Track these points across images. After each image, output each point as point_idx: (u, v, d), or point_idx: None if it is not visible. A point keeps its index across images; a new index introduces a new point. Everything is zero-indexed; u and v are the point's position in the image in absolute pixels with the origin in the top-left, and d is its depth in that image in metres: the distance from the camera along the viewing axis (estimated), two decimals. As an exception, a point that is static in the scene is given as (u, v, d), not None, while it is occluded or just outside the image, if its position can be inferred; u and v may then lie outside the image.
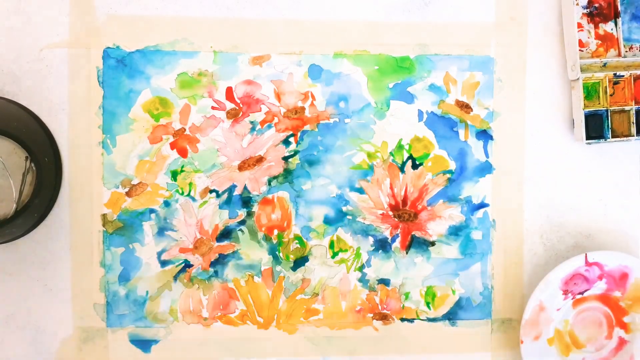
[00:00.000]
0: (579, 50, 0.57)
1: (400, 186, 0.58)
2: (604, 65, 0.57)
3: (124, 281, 0.56)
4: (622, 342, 0.58)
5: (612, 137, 0.57)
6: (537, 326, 0.57)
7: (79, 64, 0.56)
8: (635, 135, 0.57)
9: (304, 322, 0.58)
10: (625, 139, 0.57)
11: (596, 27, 0.58)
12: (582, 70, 0.57)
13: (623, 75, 0.58)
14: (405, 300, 0.58)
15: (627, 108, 0.58)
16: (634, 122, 0.57)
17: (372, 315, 0.58)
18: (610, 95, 0.58)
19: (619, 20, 0.58)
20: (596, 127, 0.57)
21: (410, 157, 0.58)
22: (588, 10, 0.58)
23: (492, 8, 0.58)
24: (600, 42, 0.58)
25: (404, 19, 0.57)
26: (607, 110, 0.57)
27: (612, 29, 0.58)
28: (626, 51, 0.58)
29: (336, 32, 0.57)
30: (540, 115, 0.59)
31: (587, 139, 0.57)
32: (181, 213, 0.56)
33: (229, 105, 0.57)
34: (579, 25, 0.57)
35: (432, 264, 0.58)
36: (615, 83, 0.58)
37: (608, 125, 0.57)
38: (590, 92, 0.58)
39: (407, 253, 0.58)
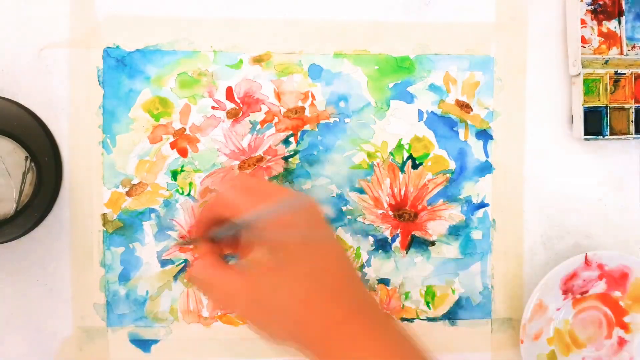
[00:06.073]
0: (581, 46, 0.57)
1: (400, 186, 0.58)
2: (606, 62, 0.57)
3: (124, 281, 0.56)
4: (622, 342, 0.58)
5: (610, 135, 0.57)
6: (537, 326, 0.57)
7: (79, 64, 0.56)
8: (633, 134, 0.57)
9: (304, 321, 0.57)
10: (623, 137, 0.57)
11: (599, 24, 0.58)
12: (584, 66, 0.57)
13: (624, 73, 0.57)
14: (405, 300, 0.58)
15: (626, 106, 0.57)
16: (633, 120, 0.57)
17: (371, 315, 0.58)
18: (611, 92, 0.57)
19: (623, 19, 0.57)
20: (595, 124, 0.57)
21: (410, 156, 0.58)
22: (592, 7, 0.57)
23: (492, 8, 0.58)
24: (602, 39, 0.58)
25: (404, 19, 0.57)
26: (606, 108, 0.57)
27: (615, 27, 0.58)
28: (629, 50, 0.58)
29: (336, 32, 0.57)
30: (541, 116, 0.59)
31: (585, 134, 0.57)
32: (181, 213, 0.56)
33: (229, 105, 0.57)
34: (582, 22, 0.57)
35: (432, 264, 0.58)
36: (616, 81, 0.58)
37: (607, 123, 0.57)
38: (591, 88, 0.57)
39: (407, 253, 0.58)
